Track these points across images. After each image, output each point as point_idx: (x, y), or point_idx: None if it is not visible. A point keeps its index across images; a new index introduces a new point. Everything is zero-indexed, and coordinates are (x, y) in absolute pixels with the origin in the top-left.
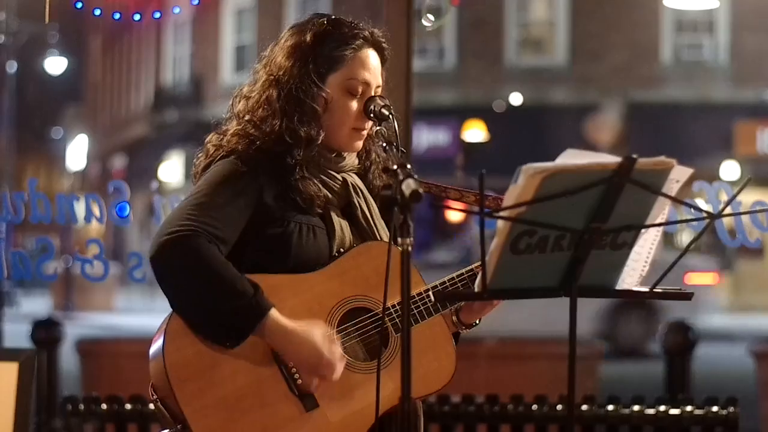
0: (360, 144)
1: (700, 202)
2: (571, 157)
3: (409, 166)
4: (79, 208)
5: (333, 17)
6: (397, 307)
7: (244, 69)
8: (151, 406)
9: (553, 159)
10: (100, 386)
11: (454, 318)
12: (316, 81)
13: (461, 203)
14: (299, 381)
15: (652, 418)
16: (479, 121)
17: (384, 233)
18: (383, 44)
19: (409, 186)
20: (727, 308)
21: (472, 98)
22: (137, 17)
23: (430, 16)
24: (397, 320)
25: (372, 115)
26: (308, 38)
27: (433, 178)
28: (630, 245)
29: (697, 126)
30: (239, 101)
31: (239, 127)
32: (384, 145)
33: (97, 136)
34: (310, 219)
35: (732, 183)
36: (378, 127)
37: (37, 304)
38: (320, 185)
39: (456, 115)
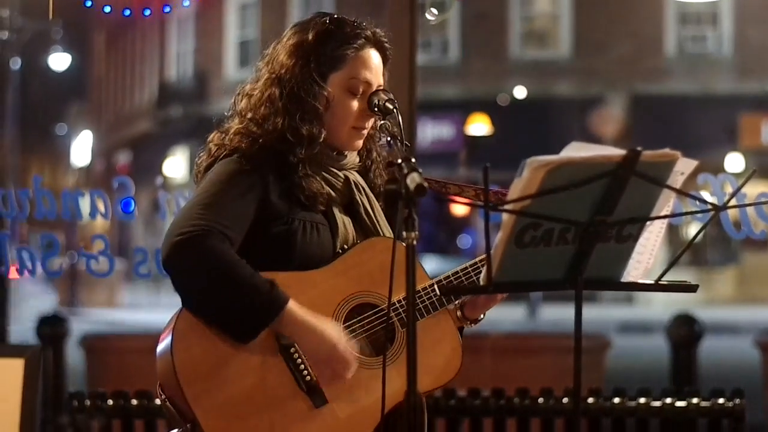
0: (360, 143)
1: (705, 195)
2: (576, 150)
3: (413, 160)
4: (84, 204)
5: (336, 16)
6: (403, 302)
7: (247, 64)
8: (158, 401)
9: (557, 152)
10: (106, 382)
11: (459, 313)
12: (318, 80)
13: (464, 197)
14: (307, 377)
15: (658, 410)
16: (483, 114)
17: (387, 230)
18: (385, 44)
19: (413, 180)
20: (732, 300)
21: (476, 92)
22: (147, 12)
23: (434, 10)
24: (403, 315)
25: (376, 109)
26: (310, 37)
27: (438, 171)
28: (635, 238)
29: (702, 118)
30: (242, 99)
31: (241, 126)
32: (388, 139)
33: (101, 133)
34: (313, 216)
35: (737, 175)
36: (382, 121)
37: (42, 301)
38: (323, 183)
39: (460, 109)
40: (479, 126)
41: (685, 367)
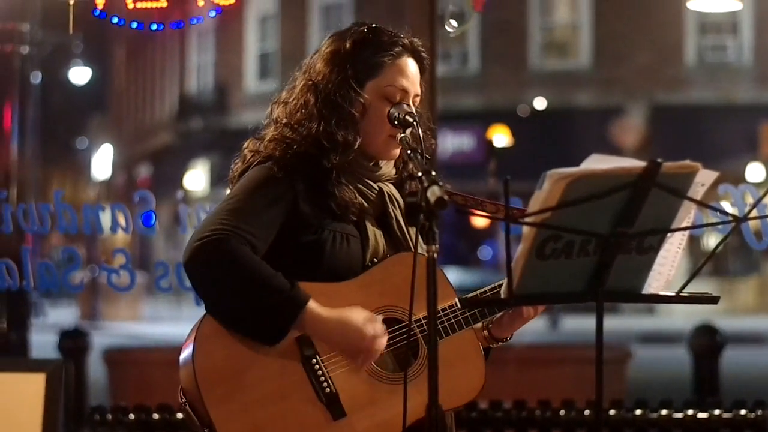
0: (396, 152)
1: (726, 205)
2: (596, 162)
3: (434, 173)
4: (105, 218)
5: (374, 25)
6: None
7: (268, 76)
8: (179, 415)
9: (577, 163)
10: (127, 396)
11: (486, 332)
12: (354, 86)
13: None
14: (327, 389)
15: (680, 421)
16: (503, 125)
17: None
18: (422, 53)
19: (434, 193)
20: (754, 309)
21: (496, 103)
22: (175, 26)
23: (453, 22)
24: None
25: (396, 122)
26: (348, 45)
27: (459, 183)
28: (656, 249)
29: (722, 128)
30: (277, 107)
31: (276, 132)
32: (408, 152)
33: (122, 146)
34: (344, 227)
35: (757, 185)
36: (402, 135)
37: (64, 315)
38: (356, 193)
39: (480, 120)
40: (500, 137)
41: (707, 378)
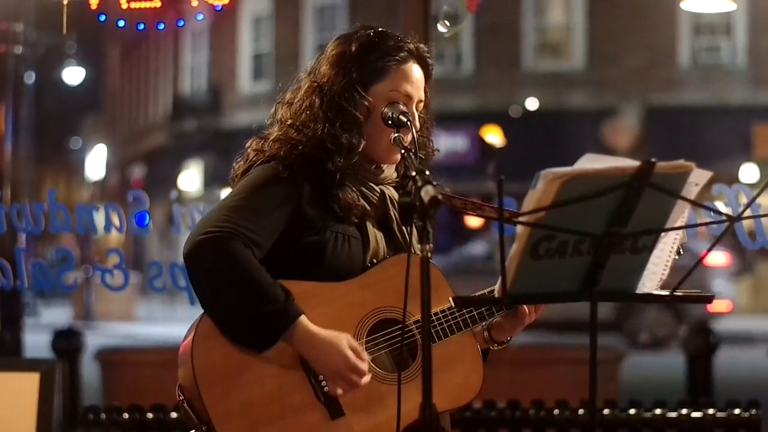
0: (398, 157)
1: (720, 205)
2: (590, 162)
3: (427, 173)
4: (99, 217)
5: (380, 29)
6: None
7: (262, 77)
8: (173, 414)
9: (571, 163)
10: (121, 396)
11: (486, 334)
12: (359, 90)
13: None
14: (326, 388)
15: (674, 421)
16: (495, 126)
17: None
18: (428, 59)
19: (428, 192)
20: (747, 310)
21: (490, 104)
22: (161, 26)
23: (447, 23)
24: None
25: (390, 122)
26: (354, 48)
27: (453, 183)
28: (650, 249)
29: (716, 129)
30: (282, 107)
31: (281, 133)
32: (402, 151)
33: (115, 146)
34: (346, 229)
35: (751, 186)
36: (396, 134)
37: (57, 314)
38: (358, 195)
39: (474, 121)
40: (492, 138)
41: (701, 378)
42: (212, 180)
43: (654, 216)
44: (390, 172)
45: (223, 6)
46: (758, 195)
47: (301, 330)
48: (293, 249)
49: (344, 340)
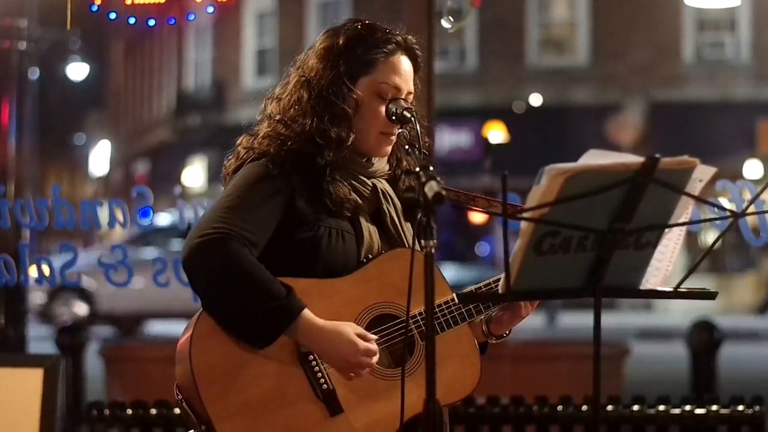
0: (389, 149)
1: (724, 201)
2: (594, 158)
3: (431, 168)
4: (103, 213)
5: (367, 22)
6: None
7: (265, 73)
8: (176, 410)
9: (575, 159)
10: (125, 391)
11: (484, 328)
12: (347, 83)
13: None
14: (324, 386)
15: (678, 417)
16: (499, 122)
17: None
18: (416, 51)
19: (431, 188)
20: (751, 306)
21: (493, 99)
22: (172, 21)
23: (451, 18)
24: (423, 327)
25: (393, 117)
26: (341, 41)
27: (457, 179)
28: (654, 245)
29: (720, 125)
30: (271, 103)
31: (270, 129)
32: (406, 147)
33: (119, 142)
34: (339, 224)
35: (755, 181)
36: (400, 130)
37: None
38: (350, 189)
39: (478, 117)
40: (496, 133)
41: (705, 374)
42: (216, 176)
43: (658, 212)
44: (381, 164)
45: (222, 2)
46: (762, 191)
47: (305, 323)
48: (287, 245)
49: (349, 327)
